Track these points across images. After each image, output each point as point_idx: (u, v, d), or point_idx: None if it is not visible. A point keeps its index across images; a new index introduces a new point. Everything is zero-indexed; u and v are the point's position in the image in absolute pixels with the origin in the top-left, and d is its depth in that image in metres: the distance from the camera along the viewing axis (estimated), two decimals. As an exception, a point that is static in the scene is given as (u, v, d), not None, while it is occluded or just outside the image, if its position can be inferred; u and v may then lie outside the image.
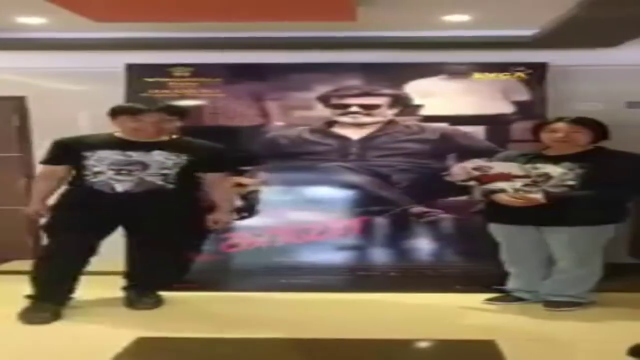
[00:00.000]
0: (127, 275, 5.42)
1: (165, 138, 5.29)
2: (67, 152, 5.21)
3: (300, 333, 4.65)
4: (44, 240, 5.31)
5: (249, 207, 6.08)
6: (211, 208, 5.36)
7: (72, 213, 5.08)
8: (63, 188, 5.28)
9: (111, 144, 5.20)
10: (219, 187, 5.40)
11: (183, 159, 5.21)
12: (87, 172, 5.11)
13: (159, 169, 5.14)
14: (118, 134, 5.27)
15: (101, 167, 5.10)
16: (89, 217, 5.06)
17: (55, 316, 4.98)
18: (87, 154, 5.13)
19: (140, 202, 5.09)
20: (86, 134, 5.49)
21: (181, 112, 5.44)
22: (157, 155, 5.16)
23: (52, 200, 5.26)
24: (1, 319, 4.99)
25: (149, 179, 5.11)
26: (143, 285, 5.36)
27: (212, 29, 5.81)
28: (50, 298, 5.08)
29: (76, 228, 5.05)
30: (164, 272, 5.40)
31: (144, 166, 5.13)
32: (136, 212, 5.10)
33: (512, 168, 5.11)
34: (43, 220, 5.27)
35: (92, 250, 5.20)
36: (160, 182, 5.14)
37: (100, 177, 5.09)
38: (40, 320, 4.90)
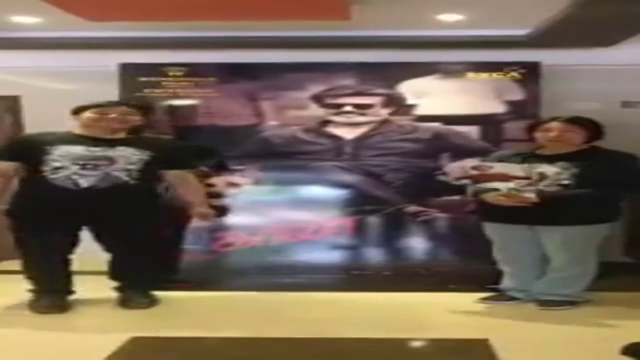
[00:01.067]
0: (111, 275, 5.43)
1: (124, 135, 5.28)
2: (25, 148, 5.18)
3: (293, 332, 4.64)
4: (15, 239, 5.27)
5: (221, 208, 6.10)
6: (184, 206, 5.38)
7: (40, 212, 5.07)
8: (18, 186, 5.26)
9: (74, 140, 5.17)
10: (186, 183, 5.37)
11: (146, 154, 5.19)
12: (45, 168, 5.06)
13: (125, 164, 5.12)
14: (78, 131, 5.24)
15: (64, 162, 5.05)
16: (58, 215, 5.06)
17: (62, 307, 5.12)
18: (49, 149, 5.09)
19: (107, 198, 5.07)
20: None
21: (146, 109, 5.43)
22: (122, 151, 5.15)
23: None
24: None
25: (114, 174, 5.08)
26: (129, 284, 5.37)
27: (205, 28, 5.80)
28: (50, 291, 5.18)
29: (48, 228, 5.07)
30: (147, 269, 5.40)
31: (111, 161, 5.10)
32: (104, 208, 5.08)
33: (513, 169, 5.11)
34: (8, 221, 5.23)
35: (69, 246, 5.26)
36: (125, 178, 5.11)
37: (62, 173, 5.04)
38: (46, 310, 5.03)
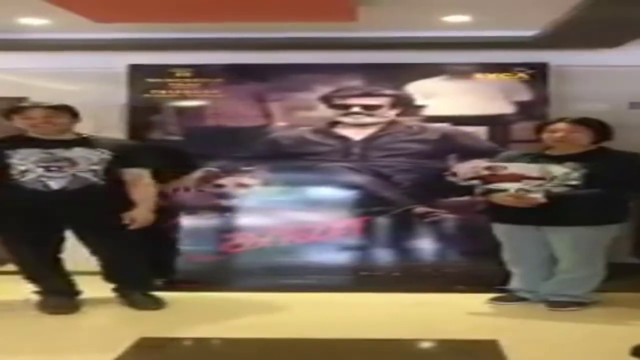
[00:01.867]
0: (104, 277, 5.43)
1: (73, 136, 5.27)
2: None
3: (302, 333, 4.66)
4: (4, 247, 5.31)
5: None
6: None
7: (18, 216, 5.08)
8: None
9: (28, 142, 5.16)
10: (139, 184, 5.35)
11: (107, 154, 5.20)
12: (13, 171, 5.06)
13: (88, 165, 5.13)
14: (29, 134, 5.23)
15: (27, 165, 5.06)
16: (35, 216, 5.06)
17: (70, 308, 5.16)
18: (9, 152, 5.10)
19: (80, 199, 5.08)
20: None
21: (71, 110, 5.34)
22: (80, 152, 5.16)
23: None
24: (7, 316, 5.09)
25: (81, 175, 5.10)
26: (123, 285, 5.39)
27: (212, 29, 5.81)
28: (55, 291, 5.23)
29: (29, 231, 5.09)
30: (136, 269, 5.43)
31: (72, 163, 5.10)
32: (78, 209, 5.09)
33: (528, 169, 5.11)
34: None
35: (55, 246, 5.29)
36: (93, 179, 5.13)
37: (30, 176, 5.05)
38: (54, 311, 5.08)
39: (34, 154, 5.09)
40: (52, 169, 5.06)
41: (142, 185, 5.35)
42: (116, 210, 5.19)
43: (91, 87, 6.14)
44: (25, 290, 5.32)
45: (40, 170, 5.05)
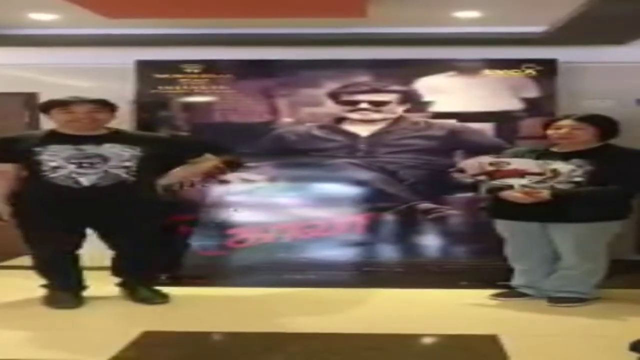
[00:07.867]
0: (115, 271, 5.46)
1: (104, 131, 5.27)
2: (15, 148, 5.19)
3: (305, 328, 4.67)
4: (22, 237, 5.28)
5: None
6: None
7: (45, 212, 5.08)
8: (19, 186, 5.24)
9: (58, 138, 5.17)
10: (200, 161, 5.58)
11: (138, 151, 5.20)
12: (44, 168, 5.06)
13: (120, 162, 5.13)
14: (59, 130, 5.24)
15: (58, 161, 5.06)
16: (64, 213, 5.07)
17: (75, 302, 5.18)
18: (38, 149, 5.09)
19: (110, 196, 5.09)
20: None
21: (111, 106, 5.36)
22: (111, 148, 5.16)
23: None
24: (13, 310, 5.14)
25: (113, 171, 5.10)
26: (136, 280, 5.40)
27: (222, 25, 5.82)
28: (63, 287, 5.25)
29: (55, 226, 5.09)
30: (152, 264, 5.52)
31: (104, 159, 5.11)
32: (109, 205, 5.10)
33: (529, 165, 5.12)
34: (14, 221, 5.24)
35: (77, 242, 5.30)
36: (124, 175, 5.13)
37: (61, 172, 5.04)
38: (60, 306, 5.11)
39: (65, 150, 5.08)
40: (84, 165, 5.06)
41: (200, 162, 5.59)
42: (143, 206, 5.24)
43: (100, 82, 6.13)
44: (29, 284, 5.34)
45: (72, 167, 5.05)
